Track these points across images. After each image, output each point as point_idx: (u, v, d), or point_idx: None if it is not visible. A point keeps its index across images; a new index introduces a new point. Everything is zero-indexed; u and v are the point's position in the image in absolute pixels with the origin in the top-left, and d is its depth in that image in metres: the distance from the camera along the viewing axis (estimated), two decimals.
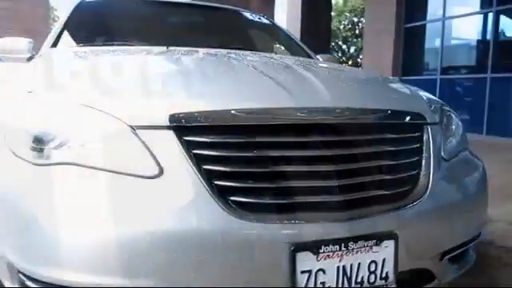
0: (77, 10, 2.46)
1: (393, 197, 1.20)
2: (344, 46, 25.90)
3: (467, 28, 8.42)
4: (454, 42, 8.92)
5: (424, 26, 9.20)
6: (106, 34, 2.28)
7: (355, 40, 25.06)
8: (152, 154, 1.06)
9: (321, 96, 1.25)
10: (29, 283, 1.07)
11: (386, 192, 1.18)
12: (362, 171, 1.17)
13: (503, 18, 7.55)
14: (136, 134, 1.08)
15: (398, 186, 1.22)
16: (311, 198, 1.10)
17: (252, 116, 1.12)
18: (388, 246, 1.14)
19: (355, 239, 1.10)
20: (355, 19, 24.79)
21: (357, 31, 24.75)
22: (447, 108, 1.61)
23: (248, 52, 2.00)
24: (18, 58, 2.27)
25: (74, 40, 2.23)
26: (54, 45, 2.15)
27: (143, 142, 1.07)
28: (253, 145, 1.10)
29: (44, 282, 1.05)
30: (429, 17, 9.08)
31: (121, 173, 1.05)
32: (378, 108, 1.31)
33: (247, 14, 2.91)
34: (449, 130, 1.51)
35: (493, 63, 7.36)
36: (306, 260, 1.06)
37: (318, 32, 12.40)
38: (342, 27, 25.01)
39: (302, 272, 1.06)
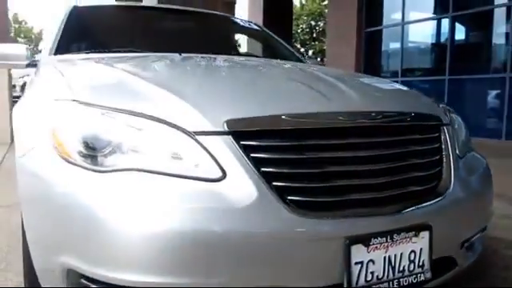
0: (72, 16, 2.45)
1: (424, 192, 1.31)
2: (302, 49, 26.43)
3: (425, 32, 8.87)
4: (413, 45, 9.36)
5: (384, 30, 9.60)
6: (109, 41, 2.28)
7: (313, 43, 25.63)
8: (214, 159, 1.11)
9: (355, 101, 1.36)
10: (93, 286, 1.10)
11: (419, 188, 1.30)
12: (399, 169, 1.28)
13: (459, 23, 8.02)
14: (196, 140, 1.13)
15: (428, 182, 1.34)
16: (359, 195, 1.19)
17: (302, 120, 1.20)
18: (424, 237, 1.25)
19: (398, 231, 1.21)
20: (313, 23, 25.36)
21: (314, 34, 25.32)
22: (451, 110, 1.76)
23: (262, 59, 2.08)
24: (17, 64, 2.24)
25: (78, 47, 2.21)
26: (58, 52, 2.13)
27: (205, 148, 1.12)
28: (305, 147, 1.18)
29: (112, 284, 1.08)
30: (389, 21, 9.48)
31: (186, 177, 1.10)
32: (405, 111, 1.43)
33: (241, 21, 2.98)
34: (456, 130, 1.66)
35: (450, 66, 7.80)
36: (358, 252, 1.15)
37: (280, 37, 12.65)
38: (299, 31, 25.50)
39: (356, 263, 1.15)
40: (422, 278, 1.25)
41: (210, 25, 2.70)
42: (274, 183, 1.12)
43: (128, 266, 1.06)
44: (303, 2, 25.09)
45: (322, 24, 25.07)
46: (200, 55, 1.94)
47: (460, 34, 8.18)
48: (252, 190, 1.10)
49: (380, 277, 1.19)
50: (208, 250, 1.05)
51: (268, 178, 1.12)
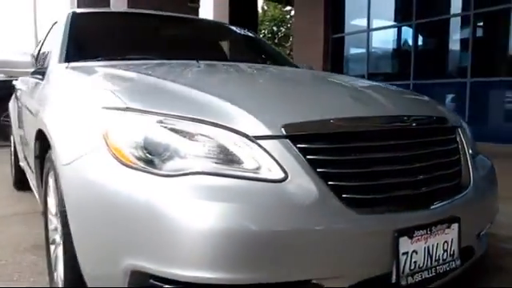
0: (75, 21, 2.44)
1: (451, 188, 1.45)
2: None
3: (390, 39, 9.26)
4: (379, 51, 9.74)
5: (351, 36, 9.93)
6: (119, 48, 2.30)
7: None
8: (276, 161, 1.19)
9: (388, 106, 1.47)
10: (166, 286, 1.14)
11: (447, 184, 1.43)
12: (430, 168, 1.41)
13: (422, 31, 8.45)
14: (258, 144, 1.20)
15: (453, 179, 1.48)
16: (402, 192, 1.31)
17: (351, 124, 1.31)
18: (454, 228, 1.38)
19: (435, 224, 1.33)
20: (275, 28, 25.71)
21: (276, 40, 25.66)
22: (457, 114, 1.92)
23: (272, 66, 2.17)
24: (22, 71, 2.22)
25: (89, 54, 2.21)
26: (68, 59, 2.12)
27: (266, 151, 1.20)
28: (354, 149, 1.28)
29: (181, 282, 1.13)
30: (355, 28, 9.82)
31: (250, 178, 1.17)
32: (429, 115, 1.56)
33: (237, 29, 3.06)
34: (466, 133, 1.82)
35: (414, 71, 8.20)
36: (405, 244, 1.26)
37: None
38: (262, 36, 25.77)
39: (403, 254, 1.26)
40: (453, 265, 1.38)
41: (210, 33, 2.77)
42: (330, 182, 1.21)
43: (198, 264, 1.11)
44: (265, 8, 25.41)
45: (283, 30, 25.48)
46: (218, 62, 2.01)
47: (423, 40, 8.60)
48: (312, 189, 1.18)
49: (421, 266, 1.30)
50: (274, 245, 1.13)
51: (324, 177, 1.21)
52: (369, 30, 9.35)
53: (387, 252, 1.24)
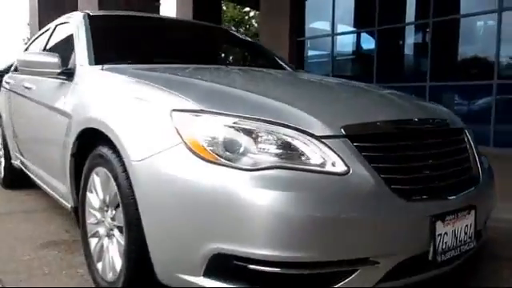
0: (94, 23, 2.52)
1: (468, 180, 1.71)
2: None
3: (354, 43, 9.71)
4: (343, 54, 10.17)
5: (316, 39, 10.30)
6: (146, 51, 2.42)
7: None
8: (340, 157, 1.39)
9: (415, 110, 1.72)
10: (251, 266, 1.31)
11: (464, 177, 1.70)
12: (452, 163, 1.66)
13: (383, 36, 8.93)
14: (324, 143, 1.39)
15: (468, 173, 1.74)
16: (435, 184, 1.55)
17: (397, 125, 1.55)
18: (472, 215, 1.64)
19: (460, 210, 1.58)
20: (234, 29, 25.87)
21: None
22: None
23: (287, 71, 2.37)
24: (50, 72, 2.28)
25: (118, 56, 2.30)
26: (98, 62, 2.21)
27: (331, 148, 1.39)
28: (399, 146, 1.51)
29: (264, 261, 1.30)
30: (319, 32, 10.20)
31: (319, 172, 1.36)
32: (445, 118, 1.82)
33: (244, 37, 3.24)
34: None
35: (377, 74, 8.67)
36: (439, 227, 1.50)
37: None
38: None
39: (438, 235, 1.49)
40: (471, 245, 1.64)
41: (226, 39, 2.93)
42: (382, 175, 1.42)
43: (278, 246, 1.29)
44: (224, 8, 25.49)
45: (242, 30, 25.69)
46: (247, 67, 2.19)
47: (385, 45, 9.09)
48: (370, 181, 1.39)
49: (449, 246, 1.55)
50: (340, 228, 1.33)
51: (377, 171, 1.42)
52: (333, 34, 9.75)
53: (426, 234, 1.47)
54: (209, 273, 1.37)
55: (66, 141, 2.10)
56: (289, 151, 1.38)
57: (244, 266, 1.32)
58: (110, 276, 1.77)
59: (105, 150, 1.74)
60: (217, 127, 1.41)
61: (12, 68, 4.16)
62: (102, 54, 2.30)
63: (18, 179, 3.85)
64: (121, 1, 9.56)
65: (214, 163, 1.36)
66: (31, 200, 3.57)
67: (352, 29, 9.63)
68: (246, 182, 1.32)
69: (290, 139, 1.39)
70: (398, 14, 8.71)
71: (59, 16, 3.10)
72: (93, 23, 2.54)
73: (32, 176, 3.11)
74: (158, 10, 15.63)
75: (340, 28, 9.70)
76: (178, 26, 2.74)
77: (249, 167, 1.34)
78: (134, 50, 2.44)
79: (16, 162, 3.61)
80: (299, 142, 1.39)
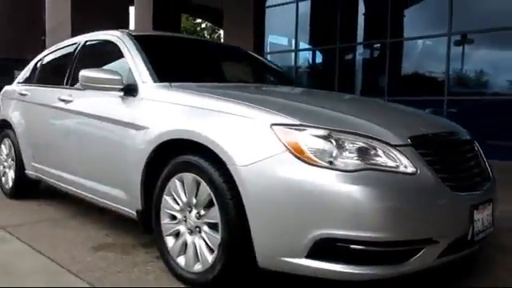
0: (143, 44, 2.78)
1: (486, 179, 2.20)
2: None
3: (315, 59, 10.38)
4: (305, 70, 10.80)
5: (278, 55, 10.86)
6: (200, 71, 2.73)
7: None
8: (410, 161, 1.80)
9: (442, 124, 2.20)
10: (352, 246, 1.68)
11: (484, 176, 2.19)
12: (477, 165, 2.15)
13: (345, 53, 9.67)
14: (397, 149, 1.80)
15: (485, 173, 2.23)
16: (471, 181, 2.02)
17: (441, 137, 2.00)
18: (490, 206, 2.12)
19: (485, 202, 2.05)
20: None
21: None
22: None
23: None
24: (111, 87, 2.53)
25: (176, 76, 2.59)
26: (160, 80, 2.50)
27: (404, 154, 1.80)
28: (445, 152, 1.96)
29: (363, 241, 1.68)
30: (282, 48, 10.77)
31: (398, 172, 1.77)
32: (462, 130, 2.31)
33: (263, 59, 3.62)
34: None
35: (339, 89, 9.35)
36: (475, 214, 1.95)
37: None
38: None
39: (474, 221, 1.95)
40: (491, 230, 2.12)
41: (250, 61, 3.31)
42: (439, 175, 1.85)
43: (374, 229, 1.68)
44: None
45: None
46: (295, 87, 2.58)
47: (346, 62, 9.82)
48: (432, 179, 1.82)
49: (480, 229, 2.01)
50: (413, 215, 1.75)
51: (436, 172, 1.85)
52: (296, 50, 10.36)
53: (467, 220, 1.92)
54: (311, 255, 1.72)
55: (137, 150, 2.34)
56: (373, 157, 1.77)
57: (345, 247, 1.69)
58: (197, 267, 2.05)
59: (195, 158, 2.04)
60: (318, 137, 1.78)
61: (20, 79, 4.23)
62: (165, 73, 2.59)
63: (28, 189, 3.94)
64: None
65: (316, 166, 1.72)
66: (51, 209, 3.67)
67: (314, 45, 10.27)
68: (345, 180, 1.69)
69: (373, 147, 1.79)
70: (358, 34, 9.47)
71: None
72: (142, 43, 2.80)
73: (62, 185, 3.25)
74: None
75: (302, 45, 10.32)
76: (214, 49, 3.06)
77: (345, 168, 1.72)
78: (184, 69, 2.74)
79: (31, 172, 3.70)
80: (380, 149, 1.79)
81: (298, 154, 1.75)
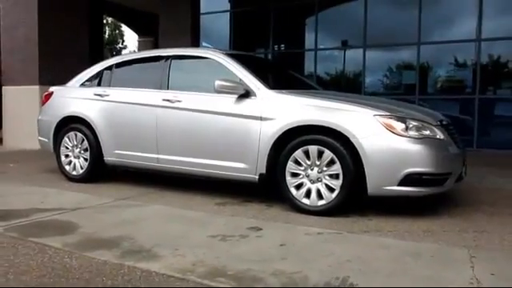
0: (239, 59, 4.05)
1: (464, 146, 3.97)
2: None
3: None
4: None
5: None
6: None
7: None
8: (442, 133, 3.43)
9: (439, 115, 3.91)
10: (424, 176, 3.25)
11: (463, 143, 3.96)
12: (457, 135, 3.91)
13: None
14: (436, 127, 3.42)
15: (461, 141, 4.01)
16: (460, 143, 3.75)
17: (446, 121, 3.70)
18: (465, 164, 3.88)
19: (465, 158, 3.80)
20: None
21: None
22: None
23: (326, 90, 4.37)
24: (236, 92, 3.76)
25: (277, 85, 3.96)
26: (272, 87, 3.82)
27: (439, 129, 3.43)
28: (451, 130, 3.65)
29: (436, 173, 3.26)
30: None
31: (439, 139, 3.38)
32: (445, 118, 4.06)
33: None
34: None
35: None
36: (465, 161, 3.68)
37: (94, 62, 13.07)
38: None
39: (465, 165, 3.68)
40: (465, 175, 3.87)
41: (288, 72, 4.79)
42: (453, 140, 3.53)
43: (435, 166, 3.26)
44: None
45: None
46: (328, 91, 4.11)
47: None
48: (451, 142, 3.50)
49: (465, 171, 3.74)
50: (447, 159, 3.40)
51: (452, 138, 3.52)
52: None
53: (462, 164, 3.63)
54: (401, 183, 3.24)
55: (265, 134, 3.60)
56: (429, 132, 3.36)
57: (418, 177, 3.23)
58: (321, 202, 3.43)
59: (319, 136, 3.41)
60: (402, 122, 3.30)
61: (80, 81, 5.00)
62: (270, 82, 3.94)
63: (100, 174, 4.76)
64: None
65: (401, 136, 3.25)
66: (132, 187, 4.51)
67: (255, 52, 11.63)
68: (415, 142, 3.25)
69: (425, 126, 3.37)
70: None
71: None
72: (237, 60, 4.06)
73: (155, 165, 4.28)
74: None
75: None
76: (270, 64, 4.41)
77: (414, 136, 3.27)
78: (268, 79, 4.11)
79: (112, 159, 4.56)
80: (431, 127, 3.39)
81: (391, 129, 3.26)
